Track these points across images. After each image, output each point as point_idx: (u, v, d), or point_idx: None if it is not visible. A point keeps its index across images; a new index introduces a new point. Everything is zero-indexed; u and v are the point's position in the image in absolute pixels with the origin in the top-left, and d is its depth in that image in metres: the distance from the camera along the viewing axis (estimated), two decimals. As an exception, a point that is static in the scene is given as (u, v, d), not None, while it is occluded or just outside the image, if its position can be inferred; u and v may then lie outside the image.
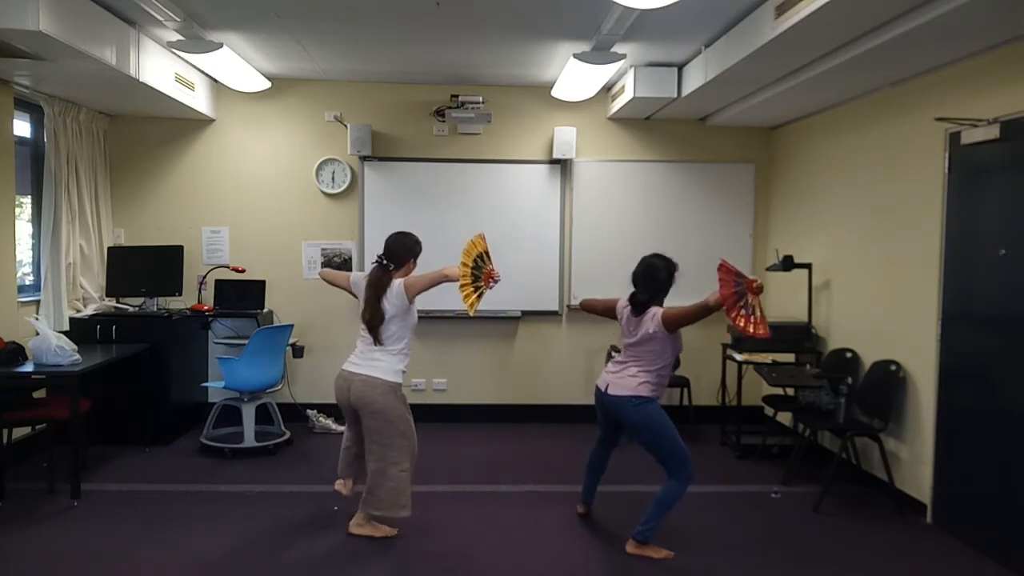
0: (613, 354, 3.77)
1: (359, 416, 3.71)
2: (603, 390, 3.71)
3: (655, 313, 3.54)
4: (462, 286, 3.61)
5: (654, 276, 3.59)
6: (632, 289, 3.67)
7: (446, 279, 3.64)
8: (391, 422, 3.63)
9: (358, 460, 3.89)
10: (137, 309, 5.54)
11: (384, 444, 3.63)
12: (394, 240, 3.79)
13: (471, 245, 3.65)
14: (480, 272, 3.62)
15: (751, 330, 3.30)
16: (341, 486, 3.99)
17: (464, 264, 3.62)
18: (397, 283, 3.66)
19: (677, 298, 3.68)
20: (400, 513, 3.67)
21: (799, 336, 5.20)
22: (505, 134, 6.06)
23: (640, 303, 3.59)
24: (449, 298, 5.97)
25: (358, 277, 3.85)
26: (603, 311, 3.95)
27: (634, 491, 4.37)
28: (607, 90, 5.89)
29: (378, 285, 3.66)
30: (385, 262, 3.71)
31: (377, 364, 3.65)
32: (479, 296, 3.61)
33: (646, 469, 3.98)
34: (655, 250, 3.73)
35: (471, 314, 3.64)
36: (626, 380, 3.60)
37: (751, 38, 3.96)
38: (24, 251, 5.12)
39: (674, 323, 3.50)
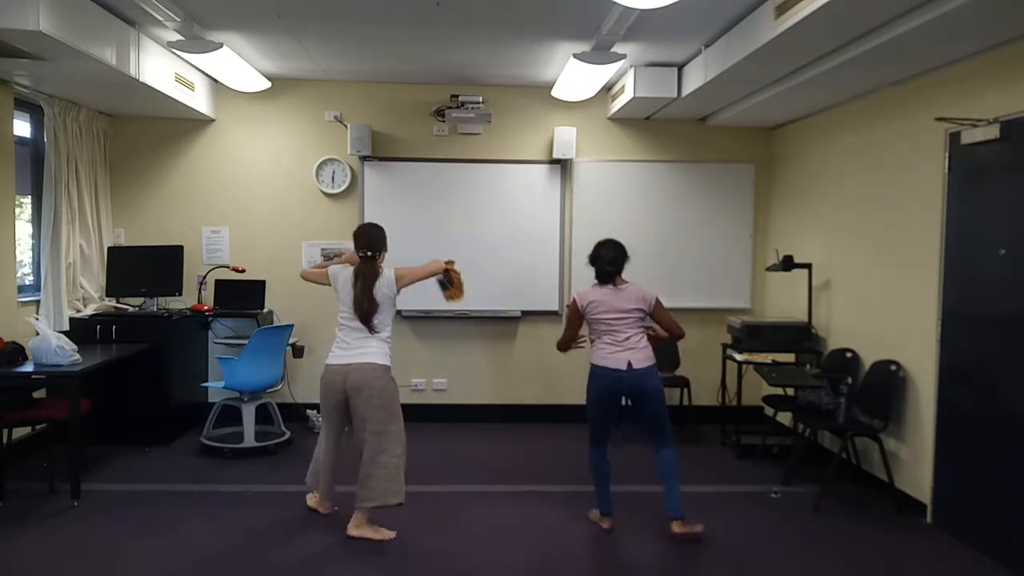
0: (594, 338, 3.90)
1: (347, 412, 3.80)
2: (624, 369, 3.73)
3: (646, 296, 3.78)
4: (449, 295, 4.05)
5: (623, 253, 3.87)
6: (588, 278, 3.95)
7: (434, 273, 3.95)
8: (385, 407, 3.74)
9: (334, 475, 3.97)
10: (137, 309, 5.55)
11: (378, 432, 3.71)
12: (369, 231, 3.88)
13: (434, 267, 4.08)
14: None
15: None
16: (316, 502, 4.05)
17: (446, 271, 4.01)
18: (389, 272, 3.80)
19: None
20: (393, 500, 3.71)
21: (799, 336, 5.20)
22: (505, 134, 6.06)
23: (611, 273, 3.82)
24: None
25: (336, 270, 3.91)
26: (579, 326, 3.97)
27: (637, 491, 4.38)
28: (607, 90, 5.89)
29: (369, 275, 3.77)
30: (370, 253, 3.80)
31: (371, 351, 3.78)
32: (453, 284, 4.04)
33: (651, 468, 4.01)
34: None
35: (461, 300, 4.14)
36: (643, 352, 3.78)
37: (751, 38, 3.96)
38: (24, 251, 5.12)
39: (658, 316, 3.81)
